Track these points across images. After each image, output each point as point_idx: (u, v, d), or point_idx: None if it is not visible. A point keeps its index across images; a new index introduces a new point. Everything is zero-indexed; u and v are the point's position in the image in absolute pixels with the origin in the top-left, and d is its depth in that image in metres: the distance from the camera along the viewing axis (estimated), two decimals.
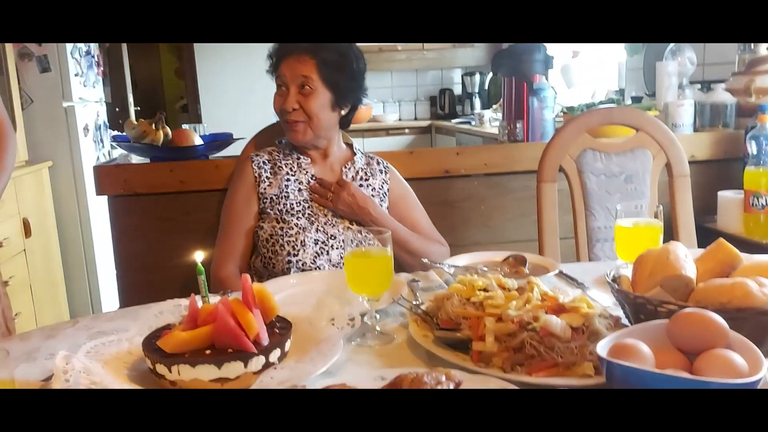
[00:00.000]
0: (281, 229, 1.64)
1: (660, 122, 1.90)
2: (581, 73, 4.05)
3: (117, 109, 5.11)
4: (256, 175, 1.70)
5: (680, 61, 2.55)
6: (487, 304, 0.98)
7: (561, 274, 1.33)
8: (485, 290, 1.03)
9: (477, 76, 5.41)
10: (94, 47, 3.92)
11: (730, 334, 0.79)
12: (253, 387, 0.88)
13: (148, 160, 2.15)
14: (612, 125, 1.91)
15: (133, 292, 2.11)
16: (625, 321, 1.01)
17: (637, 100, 3.02)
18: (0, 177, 1.48)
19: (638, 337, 0.82)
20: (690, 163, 1.90)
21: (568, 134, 1.82)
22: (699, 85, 2.50)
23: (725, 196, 2.16)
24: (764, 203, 1.96)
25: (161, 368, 0.88)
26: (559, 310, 0.94)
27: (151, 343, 0.91)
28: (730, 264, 0.99)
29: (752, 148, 2.01)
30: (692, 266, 0.98)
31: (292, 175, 1.70)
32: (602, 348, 0.80)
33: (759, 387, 0.71)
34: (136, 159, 2.27)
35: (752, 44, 2.37)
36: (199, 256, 0.95)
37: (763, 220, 1.97)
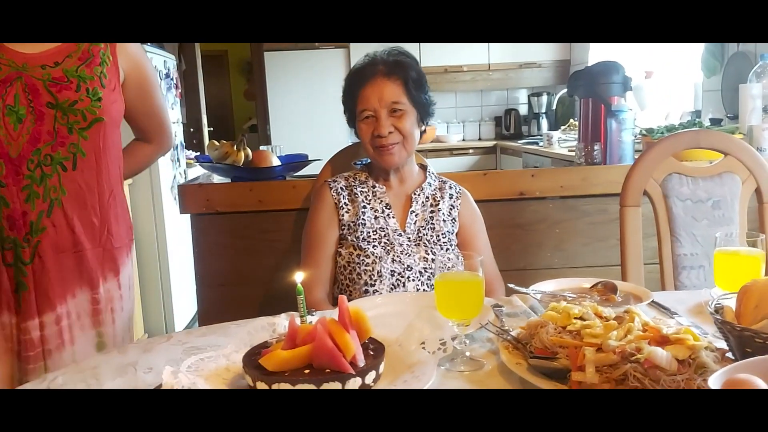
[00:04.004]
0: (358, 256, 1.65)
1: (749, 146, 1.83)
2: (654, 94, 3.95)
3: (192, 130, 5.31)
4: (335, 201, 1.73)
5: (765, 83, 2.46)
6: (585, 333, 0.96)
7: (652, 303, 1.29)
8: (581, 318, 1.01)
9: (544, 97, 5.36)
10: (172, 70, 4.09)
11: None
12: None
13: (229, 180, 2.21)
14: (698, 149, 1.86)
15: (212, 309, 2.17)
16: (730, 355, 0.97)
17: (716, 122, 2.93)
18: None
19: (752, 372, 0.79)
20: None
21: (653, 157, 1.77)
22: None
23: None
24: None
25: (261, 385, 0.90)
26: (663, 341, 0.91)
27: (252, 361, 0.93)
28: None
29: None
30: None
31: (367, 203, 1.72)
32: (715, 383, 0.77)
33: None
34: (217, 179, 2.34)
35: None
36: (299, 276, 0.97)
37: None
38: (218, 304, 2.15)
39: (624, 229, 1.75)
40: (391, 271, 1.64)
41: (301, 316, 0.97)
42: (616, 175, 1.92)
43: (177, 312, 3.75)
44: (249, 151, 2.20)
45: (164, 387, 0.87)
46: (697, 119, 3.10)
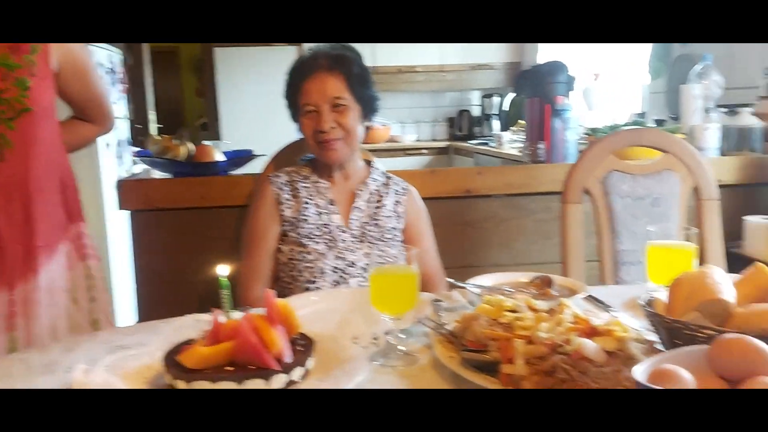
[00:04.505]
0: (299, 253, 1.62)
1: (688, 145, 1.87)
2: (602, 95, 4.03)
3: (139, 127, 5.17)
4: (277, 196, 1.69)
5: (706, 84, 2.52)
6: (516, 325, 0.95)
7: (589, 297, 1.29)
8: (514, 311, 1.00)
9: (495, 98, 5.41)
10: (117, 64, 3.97)
11: None
12: None
13: (170, 176, 2.15)
14: (638, 147, 1.88)
15: (152, 307, 2.10)
16: (659, 346, 0.98)
17: (659, 123, 2.99)
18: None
19: (677, 363, 0.79)
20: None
21: (594, 155, 1.79)
22: (725, 109, 2.47)
23: (752, 221, 2.12)
24: None
25: (181, 384, 0.86)
26: (592, 333, 0.90)
27: (171, 358, 0.89)
28: None
29: None
30: (731, 290, 0.95)
31: (310, 199, 1.68)
32: (640, 373, 0.77)
33: None
34: (158, 174, 2.27)
35: None
36: (222, 269, 0.93)
37: None
38: (158, 303, 2.09)
39: (565, 225, 1.76)
40: (334, 267, 1.62)
41: (225, 312, 0.93)
42: (560, 174, 1.94)
43: (119, 311, 3.63)
44: (191, 145, 2.14)
45: (74, 387, 0.82)
46: (641, 119, 3.17)
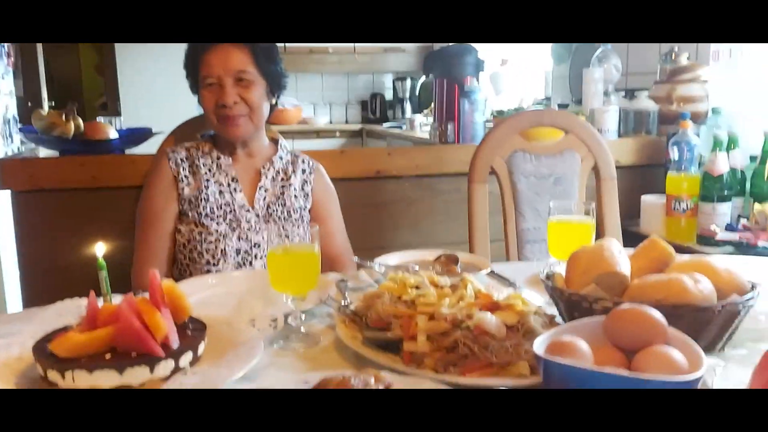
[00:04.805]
0: (200, 234, 1.54)
1: (589, 125, 1.92)
2: (509, 80, 4.11)
3: (30, 104, 4.80)
4: (175, 173, 1.59)
5: (606, 68, 2.61)
6: (419, 302, 0.92)
7: (493, 274, 1.29)
8: (418, 288, 0.97)
9: (408, 81, 5.41)
10: None
11: (668, 330, 0.77)
12: None
13: (57, 154, 1.99)
14: (542, 127, 1.91)
15: (39, 296, 1.93)
16: (559, 320, 0.98)
17: (563, 107, 3.07)
18: None
19: (575, 335, 0.79)
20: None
21: (499, 135, 1.80)
22: (623, 93, 2.56)
23: (648, 200, 2.21)
24: (685, 207, 2.01)
25: (53, 375, 0.78)
26: (494, 307, 0.89)
27: (42, 347, 0.81)
28: (664, 261, 0.98)
29: (674, 153, 2.06)
30: (627, 263, 0.96)
31: (211, 176, 1.60)
32: (539, 346, 0.76)
33: (699, 385, 0.68)
34: (44, 153, 2.10)
35: (673, 54, 2.45)
36: (99, 249, 0.85)
37: (684, 223, 2.02)
38: (46, 292, 1.92)
39: (472, 205, 1.76)
40: (237, 249, 1.55)
41: (104, 294, 0.86)
42: (468, 155, 1.94)
43: (9, 300, 3.38)
44: (81, 121, 1.99)
45: None
46: (547, 102, 3.25)
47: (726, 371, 0.78)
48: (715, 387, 0.75)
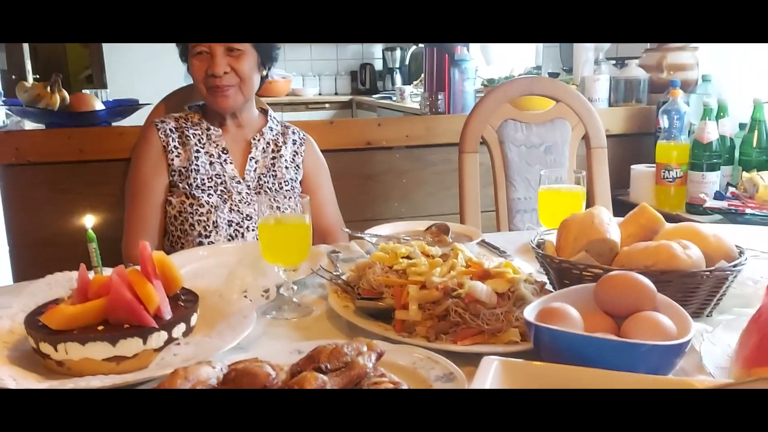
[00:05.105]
0: (191, 206, 1.53)
1: (579, 94, 1.91)
2: (500, 49, 4.07)
3: (14, 77, 4.73)
4: (164, 143, 1.57)
5: None
6: (410, 271, 0.93)
7: (483, 243, 1.30)
8: (409, 258, 0.97)
9: (398, 52, 5.36)
10: None
11: (657, 296, 0.78)
12: (154, 364, 0.80)
13: (43, 127, 1.97)
14: (533, 96, 1.90)
15: (29, 271, 1.93)
16: (549, 287, 0.99)
17: (554, 75, 3.05)
18: None
19: (565, 302, 0.80)
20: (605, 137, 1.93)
21: (489, 104, 1.79)
22: (614, 61, 2.55)
23: (638, 169, 2.21)
24: (675, 176, 2.02)
25: (45, 347, 0.78)
26: (484, 276, 0.90)
27: (34, 320, 0.81)
28: (653, 228, 0.99)
29: (664, 122, 2.06)
30: (616, 230, 0.97)
31: (201, 147, 1.58)
32: (530, 313, 0.77)
33: (687, 350, 0.69)
34: (30, 126, 2.07)
35: None
36: (89, 221, 0.84)
37: (673, 192, 2.03)
38: (36, 266, 1.92)
39: (462, 174, 1.76)
40: (229, 221, 1.54)
41: (95, 267, 0.85)
42: (458, 125, 1.93)
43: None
44: (66, 93, 1.96)
45: None
46: (537, 71, 3.23)
47: (713, 336, 0.79)
48: (702, 352, 0.76)
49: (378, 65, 5.68)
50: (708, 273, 0.87)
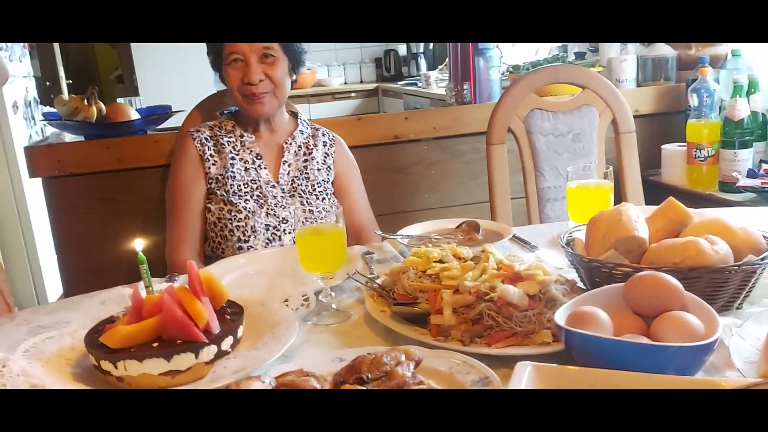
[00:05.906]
0: (229, 212, 1.58)
1: (604, 79, 1.90)
2: None
3: (48, 84, 4.85)
4: (200, 152, 1.63)
5: None
6: (443, 276, 0.96)
7: (514, 238, 1.32)
8: (441, 261, 1.01)
9: None
10: None
11: (685, 295, 0.80)
12: (207, 377, 0.85)
13: (82, 138, 2.04)
14: (558, 84, 1.91)
15: (77, 277, 2.02)
16: (580, 284, 1.01)
17: (580, 56, 3.03)
18: None
19: (595, 303, 0.82)
20: (634, 117, 1.92)
21: (515, 95, 1.80)
22: None
23: (669, 149, 2.20)
24: (706, 155, 2.01)
25: (106, 365, 0.83)
26: (516, 278, 0.93)
27: (93, 339, 0.86)
28: (681, 222, 1.00)
29: (693, 100, 2.04)
30: (644, 227, 0.98)
31: (236, 154, 1.63)
32: (560, 317, 0.79)
33: (715, 348, 0.72)
34: (69, 137, 2.15)
35: None
36: (139, 244, 0.90)
37: (705, 171, 2.02)
38: (83, 274, 2.01)
39: (491, 166, 1.78)
40: (266, 225, 1.59)
41: (147, 287, 0.91)
42: (485, 114, 1.95)
43: (48, 281, 3.50)
44: (102, 105, 2.03)
45: None
46: (564, 54, 3.20)
47: (742, 330, 0.81)
48: (731, 347, 0.78)
49: (402, 50, 5.66)
50: (736, 267, 0.88)
